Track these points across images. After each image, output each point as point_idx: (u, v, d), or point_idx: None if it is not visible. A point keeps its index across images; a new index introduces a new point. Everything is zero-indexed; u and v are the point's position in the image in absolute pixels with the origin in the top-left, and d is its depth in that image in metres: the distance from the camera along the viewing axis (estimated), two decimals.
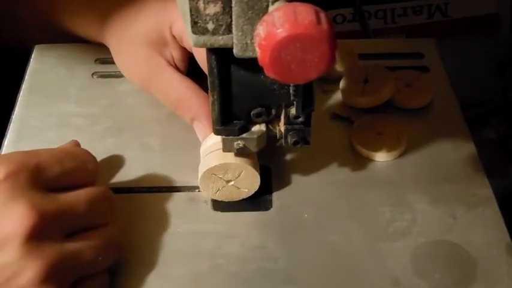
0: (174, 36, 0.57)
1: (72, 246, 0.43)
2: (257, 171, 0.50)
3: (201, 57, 0.54)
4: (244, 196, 0.51)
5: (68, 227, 0.44)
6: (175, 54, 0.57)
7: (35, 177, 0.44)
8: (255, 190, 0.51)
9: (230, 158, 0.49)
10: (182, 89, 0.56)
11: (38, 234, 0.41)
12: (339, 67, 0.62)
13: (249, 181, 0.50)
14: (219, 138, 0.49)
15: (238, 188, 0.51)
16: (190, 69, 0.58)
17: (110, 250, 0.46)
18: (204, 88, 0.54)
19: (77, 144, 0.52)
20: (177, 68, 0.57)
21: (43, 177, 0.44)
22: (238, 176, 0.50)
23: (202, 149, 0.52)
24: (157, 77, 0.57)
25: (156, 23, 0.57)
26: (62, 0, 0.62)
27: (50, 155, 0.46)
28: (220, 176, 0.50)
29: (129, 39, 0.58)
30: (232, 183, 0.50)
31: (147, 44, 0.57)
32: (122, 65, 0.60)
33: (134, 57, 0.58)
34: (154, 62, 0.57)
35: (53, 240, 0.42)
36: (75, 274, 0.44)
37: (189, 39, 0.40)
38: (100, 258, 0.45)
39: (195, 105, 0.55)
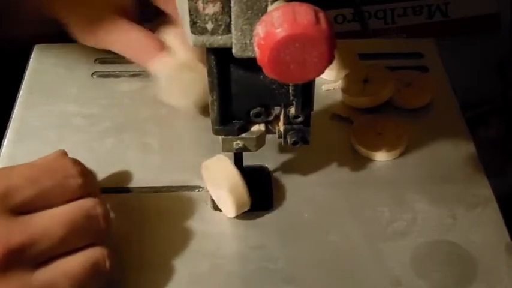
0: None
1: (45, 276, 0.40)
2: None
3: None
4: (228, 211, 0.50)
5: (41, 255, 0.40)
6: (125, 2, 0.58)
7: (2, 203, 0.40)
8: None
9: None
10: (134, 36, 0.56)
11: (3, 268, 0.38)
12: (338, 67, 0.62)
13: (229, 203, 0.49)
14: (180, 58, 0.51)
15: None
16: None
17: (91, 277, 0.42)
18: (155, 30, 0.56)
19: (63, 154, 0.47)
20: (129, 17, 0.57)
21: (12, 202, 0.41)
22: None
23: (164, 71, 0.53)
24: (109, 30, 0.57)
25: None
26: None
27: (22, 175, 0.42)
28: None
29: (79, 2, 0.58)
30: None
31: (104, 5, 0.57)
32: (76, 31, 0.59)
33: (86, 18, 0.58)
34: (105, 16, 0.57)
35: (21, 272, 0.39)
36: None
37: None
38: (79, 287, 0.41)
39: (149, 47, 0.55)
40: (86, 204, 0.43)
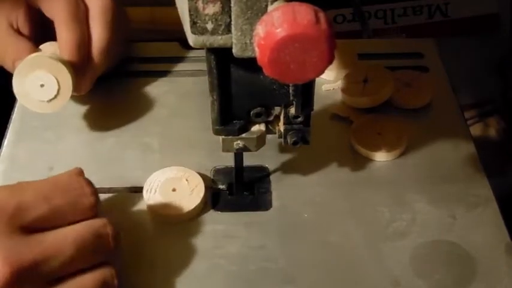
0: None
1: None
2: None
3: (48, 7, 0.55)
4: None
5: (52, 273, 0.40)
6: (20, 15, 0.57)
7: (14, 220, 0.40)
8: None
9: None
10: (2, 40, 0.55)
11: (14, 286, 0.38)
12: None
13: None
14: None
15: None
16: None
17: None
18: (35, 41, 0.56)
19: (79, 172, 0.46)
20: (19, 32, 0.57)
21: (25, 219, 0.41)
22: None
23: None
24: None
25: None
26: None
27: (35, 192, 0.42)
28: None
29: None
30: None
31: None
32: None
33: None
34: None
35: None
36: None
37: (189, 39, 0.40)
38: None
39: (14, 49, 0.55)
40: (96, 224, 0.44)
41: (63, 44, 0.54)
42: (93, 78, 0.57)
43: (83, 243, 0.42)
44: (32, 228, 0.41)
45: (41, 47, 0.56)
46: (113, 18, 0.56)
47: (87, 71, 0.55)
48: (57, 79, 0.52)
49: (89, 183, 0.45)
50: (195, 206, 0.50)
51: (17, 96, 0.53)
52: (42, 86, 0.52)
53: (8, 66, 0.56)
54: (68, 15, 0.54)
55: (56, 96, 0.52)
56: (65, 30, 0.54)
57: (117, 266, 0.44)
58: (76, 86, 0.54)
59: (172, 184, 0.51)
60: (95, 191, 0.45)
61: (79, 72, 0.54)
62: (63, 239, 0.41)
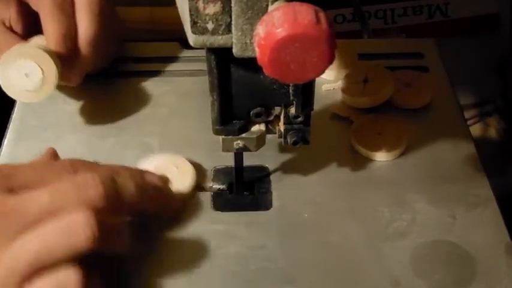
0: None
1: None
2: None
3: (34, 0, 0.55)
4: None
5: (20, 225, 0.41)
6: (12, 12, 0.57)
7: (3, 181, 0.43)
8: None
9: None
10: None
11: None
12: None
13: None
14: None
15: None
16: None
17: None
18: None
19: (53, 153, 0.50)
20: (12, 30, 0.57)
21: (11, 182, 0.43)
22: None
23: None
24: None
25: None
26: None
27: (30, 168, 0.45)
28: None
29: None
30: None
31: None
32: None
33: None
34: None
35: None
36: None
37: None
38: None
39: (4, 45, 0.55)
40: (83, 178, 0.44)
41: (49, 35, 0.54)
42: (82, 70, 0.57)
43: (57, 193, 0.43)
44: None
45: (29, 40, 0.56)
46: (100, 11, 0.57)
47: (76, 63, 0.56)
48: (41, 67, 0.52)
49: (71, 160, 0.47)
50: (187, 185, 0.51)
51: (3, 88, 0.53)
52: (26, 75, 0.52)
53: None
54: (54, 7, 0.54)
55: (41, 86, 0.53)
56: (50, 22, 0.54)
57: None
58: (65, 77, 0.55)
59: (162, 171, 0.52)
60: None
61: (67, 64, 0.55)
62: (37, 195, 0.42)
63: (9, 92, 0.53)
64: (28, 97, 0.53)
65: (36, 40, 0.56)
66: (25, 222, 0.41)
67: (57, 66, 0.53)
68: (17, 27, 0.57)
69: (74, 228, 0.41)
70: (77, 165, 0.46)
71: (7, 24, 0.57)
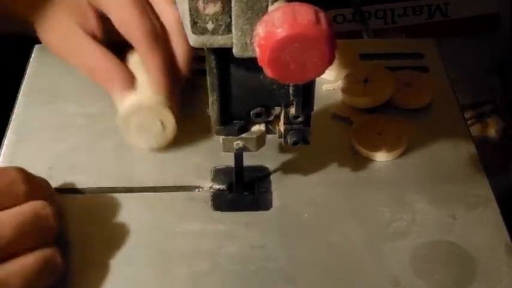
0: (91, 4, 0.56)
1: None
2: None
3: (120, 20, 0.54)
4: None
5: None
6: (93, 23, 0.57)
7: None
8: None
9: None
10: (94, 55, 0.55)
11: None
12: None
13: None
14: (134, 97, 0.53)
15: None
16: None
17: (43, 274, 0.43)
18: (121, 57, 0.56)
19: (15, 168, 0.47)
20: (95, 37, 0.57)
21: None
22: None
23: (119, 112, 0.54)
24: (76, 47, 0.56)
25: None
26: None
27: None
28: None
29: (50, 13, 0.57)
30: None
31: (68, 17, 0.56)
32: (45, 39, 0.59)
33: (56, 31, 0.57)
34: (73, 33, 0.56)
35: None
36: None
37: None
38: (31, 285, 0.42)
39: (108, 70, 0.55)
40: (35, 206, 0.45)
41: (153, 71, 0.54)
42: (181, 87, 0.57)
43: (21, 225, 0.43)
44: None
45: (128, 58, 0.56)
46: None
47: (177, 86, 0.56)
48: (161, 121, 0.53)
49: (19, 170, 0.46)
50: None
51: (121, 133, 0.54)
52: (147, 128, 0.53)
53: (99, 83, 0.56)
54: (150, 41, 0.53)
55: (161, 134, 0.54)
56: (150, 54, 0.53)
57: (65, 244, 0.46)
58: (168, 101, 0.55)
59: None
60: (27, 178, 0.46)
61: (172, 91, 0.55)
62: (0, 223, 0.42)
63: (128, 139, 0.54)
64: (148, 144, 0.54)
65: (134, 59, 0.56)
66: None
67: (175, 116, 0.53)
68: (98, 34, 0.57)
69: None
70: None
71: (88, 32, 0.57)
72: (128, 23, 0.54)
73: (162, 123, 0.53)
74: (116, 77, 0.54)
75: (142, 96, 0.54)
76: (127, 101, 0.54)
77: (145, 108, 0.53)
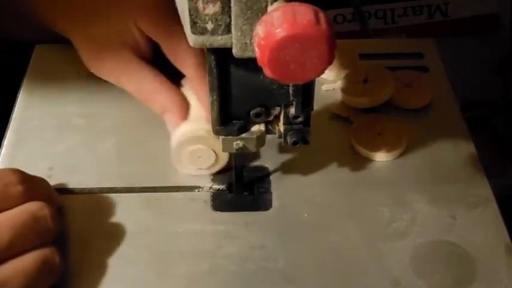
0: (140, 30, 0.56)
1: None
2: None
3: (168, 46, 0.55)
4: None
5: None
6: (143, 47, 0.57)
7: None
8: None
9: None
10: (152, 83, 0.56)
11: None
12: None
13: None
14: (189, 127, 0.52)
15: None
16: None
17: (42, 274, 0.44)
18: (173, 80, 0.56)
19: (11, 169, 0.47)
20: (145, 60, 0.57)
21: None
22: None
23: (172, 139, 0.53)
24: (129, 72, 0.56)
25: (123, 20, 0.57)
26: None
27: None
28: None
29: (98, 37, 0.57)
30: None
31: (119, 43, 0.57)
32: (91, 62, 0.59)
33: (106, 55, 0.57)
34: (127, 59, 0.57)
35: None
36: None
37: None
38: (30, 285, 0.43)
39: (165, 98, 0.55)
40: (32, 207, 0.45)
41: (206, 103, 0.52)
42: None
43: (20, 227, 0.43)
44: None
45: (183, 90, 0.56)
46: None
47: None
48: (214, 151, 0.53)
49: (15, 171, 0.46)
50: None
51: (173, 163, 0.54)
52: (199, 157, 0.53)
53: (152, 108, 0.56)
54: (202, 68, 0.53)
55: (213, 165, 0.53)
56: (204, 87, 0.52)
57: (65, 244, 0.47)
58: None
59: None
60: (24, 178, 0.46)
61: None
62: None
63: (179, 168, 0.54)
64: (198, 172, 0.54)
65: (187, 92, 0.56)
66: None
67: None
68: (149, 58, 0.57)
69: None
70: None
71: (139, 56, 0.57)
72: (182, 53, 0.54)
73: (215, 152, 0.53)
74: (173, 106, 0.54)
75: (197, 125, 0.53)
76: (181, 130, 0.53)
77: (200, 138, 0.52)
